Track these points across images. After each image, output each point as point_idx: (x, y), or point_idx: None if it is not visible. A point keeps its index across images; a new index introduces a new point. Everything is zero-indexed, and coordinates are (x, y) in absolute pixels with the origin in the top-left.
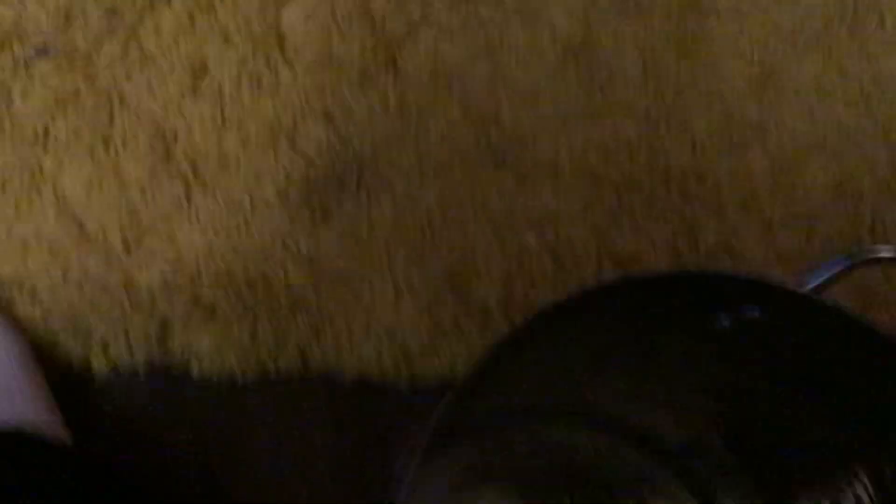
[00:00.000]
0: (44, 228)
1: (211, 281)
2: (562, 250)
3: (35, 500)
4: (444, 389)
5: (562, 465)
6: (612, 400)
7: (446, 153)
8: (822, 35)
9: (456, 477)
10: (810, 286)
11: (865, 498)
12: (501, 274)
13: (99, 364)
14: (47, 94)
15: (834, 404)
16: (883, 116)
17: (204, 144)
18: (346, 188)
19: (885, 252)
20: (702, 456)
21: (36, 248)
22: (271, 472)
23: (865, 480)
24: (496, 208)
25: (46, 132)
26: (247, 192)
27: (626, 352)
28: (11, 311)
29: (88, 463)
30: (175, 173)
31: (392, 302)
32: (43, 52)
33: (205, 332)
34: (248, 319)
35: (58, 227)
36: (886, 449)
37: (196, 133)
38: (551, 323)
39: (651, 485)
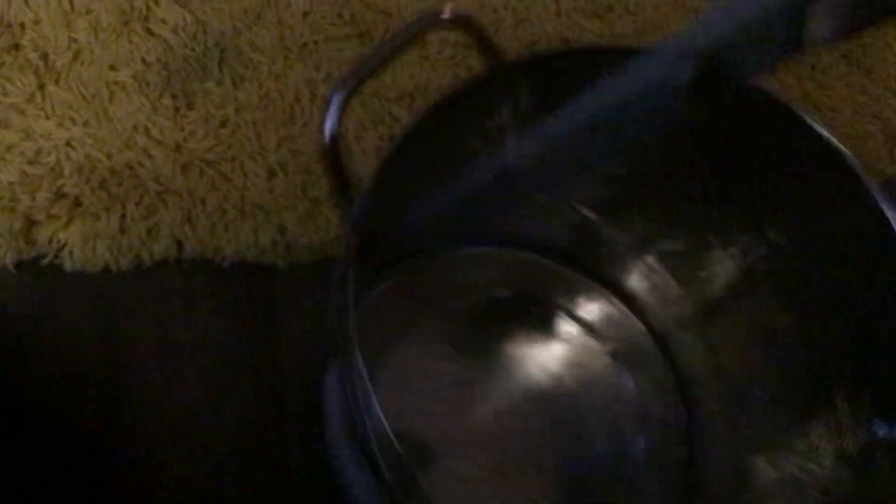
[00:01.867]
0: None
1: (73, 173)
2: None
3: None
4: (323, 264)
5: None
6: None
7: (309, 30)
8: None
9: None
10: None
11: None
12: (373, 147)
13: None
14: None
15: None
16: None
17: (53, 34)
18: (208, 71)
19: None
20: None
21: None
22: (158, 364)
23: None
24: (364, 83)
25: None
26: (103, 81)
27: None
28: None
29: None
30: (25, 65)
31: (265, 182)
32: None
33: (72, 225)
34: (115, 209)
35: None
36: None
37: (44, 23)
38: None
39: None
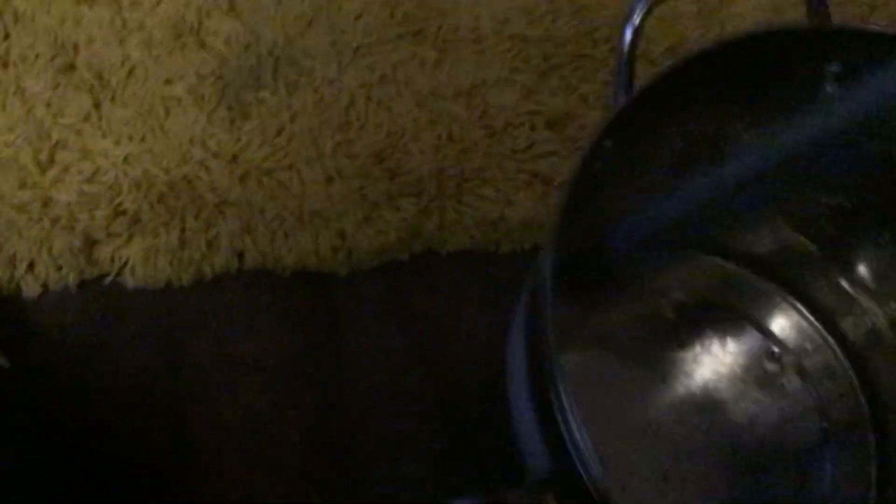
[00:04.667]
0: None
1: (131, 189)
2: (491, 116)
3: None
4: (385, 270)
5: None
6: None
7: (361, 32)
8: None
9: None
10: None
11: None
12: (431, 147)
13: (28, 285)
14: None
15: None
16: None
17: (106, 52)
18: (262, 81)
19: None
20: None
21: None
22: (221, 378)
23: None
24: (420, 83)
25: None
26: (158, 97)
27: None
28: None
29: (28, 384)
30: (80, 85)
31: (323, 188)
32: None
33: (132, 242)
34: (175, 223)
35: None
36: None
37: (97, 42)
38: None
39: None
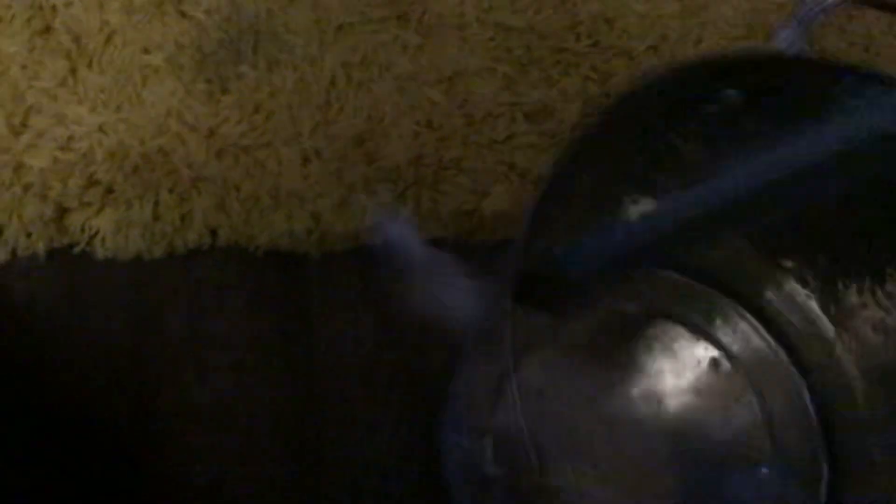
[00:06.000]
0: None
1: (105, 159)
2: (471, 105)
3: None
4: (358, 253)
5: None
6: None
7: (345, 11)
8: None
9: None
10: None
11: None
12: (410, 133)
13: None
14: None
15: None
16: None
17: (85, 16)
18: (243, 55)
19: None
20: None
21: None
22: (188, 354)
23: None
24: (402, 67)
25: None
26: (136, 65)
27: None
28: None
29: None
30: (57, 48)
31: (300, 168)
32: None
33: (104, 212)
34: (149, 196)
35: None
36: None
37: (75, 5)
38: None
39: None
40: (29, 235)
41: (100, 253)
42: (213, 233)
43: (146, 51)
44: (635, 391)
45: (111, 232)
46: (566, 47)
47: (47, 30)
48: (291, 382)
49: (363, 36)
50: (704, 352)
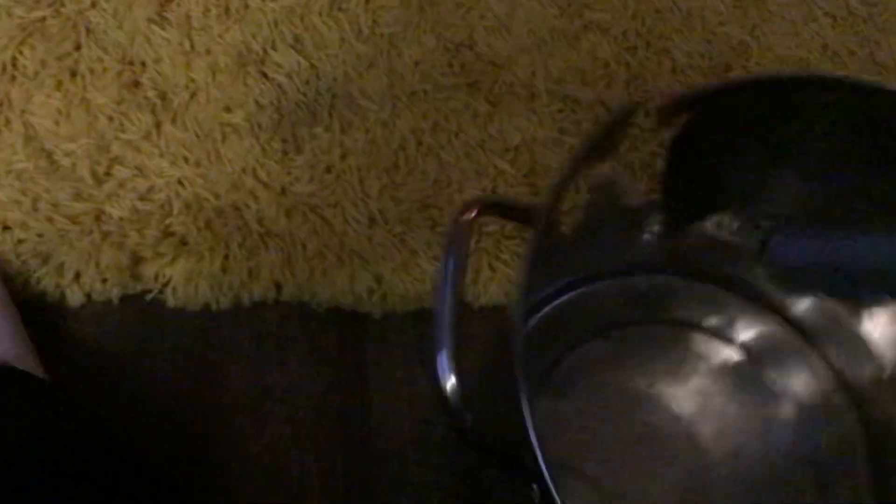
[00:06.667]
0: (13, 160)
1: (181, 211)
2: (537, 175)
3: (11, 431)
4: (417, 316)
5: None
6: None
7: (419, 79)
8: None
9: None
10: None
11: None
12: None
13: (72, 295)
14: (13, 25)
15: None
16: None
17: (172, 73)
18: (318, 117)
19: None
20: None
21: (5, 180)
22: (248, 405)
23: None
24: (471, 134)
25: (14, 63)
26: (216, 122)
27: None
28: None
29: (63, 395)
30: (143, 102)
31: (365, 229)
32: None
33: (177, 263)
34: (219, 249)
35: (27, 159)
36: None
37: (164, 62)
38: None
39: None
40: (104, 282)
41: (170, 302)
42: (278, 287)
43: (227, 109)
44: (661, 403)
45: (182, 282)
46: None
47: (136, 84)
48: (344, 438)
49: (435, 103)
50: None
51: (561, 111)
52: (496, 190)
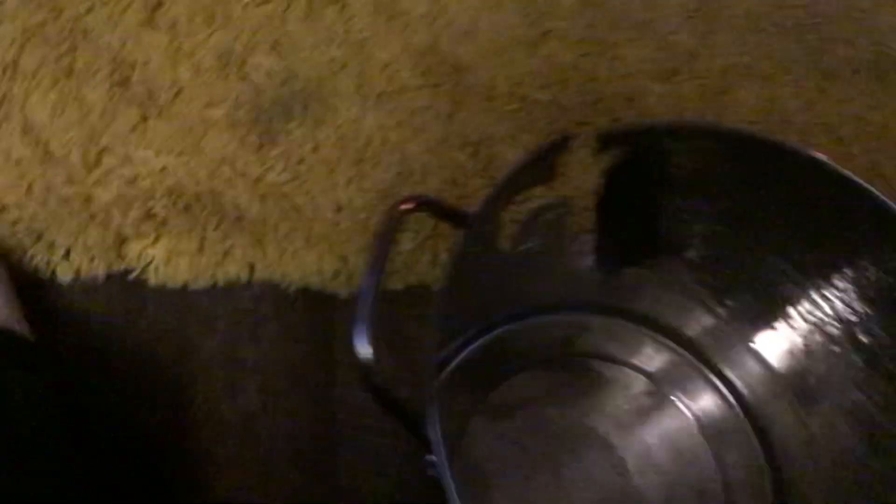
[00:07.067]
0: (12, 150)
1: (163, 196)
2: (494, 168)
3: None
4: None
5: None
6: None
7: (386, 81)
8: None
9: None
10: None
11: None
12: (434, 191)
13: (62, 271)
14: (15, 27)
15: None
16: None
17: (159, 73)
18: (293, 114)
19: None
20: None
21: (4, 167)
22: (223, 376)
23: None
24: (433, 131)
25: (15, 63)
26: (199, 117)
27: None
28: None
29: (49, 356)
30: (132, 99)
31: (333, 215)
32: None
33: (158, 243)
34: (197, 230)
35: (24, 148)
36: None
37: (152, 62)
38: None
39: None
40: (92, 259)
41: (152, 280)
42: (251, 267)
43: (209, 106)
44: (578, 427)
45: (163, 261)
46: (587, 121)
47: (126, 82)
48: (311, 408)
49: (400, 102)
50: (641, 385)
51: (518, 110)
52: (455, 181)
